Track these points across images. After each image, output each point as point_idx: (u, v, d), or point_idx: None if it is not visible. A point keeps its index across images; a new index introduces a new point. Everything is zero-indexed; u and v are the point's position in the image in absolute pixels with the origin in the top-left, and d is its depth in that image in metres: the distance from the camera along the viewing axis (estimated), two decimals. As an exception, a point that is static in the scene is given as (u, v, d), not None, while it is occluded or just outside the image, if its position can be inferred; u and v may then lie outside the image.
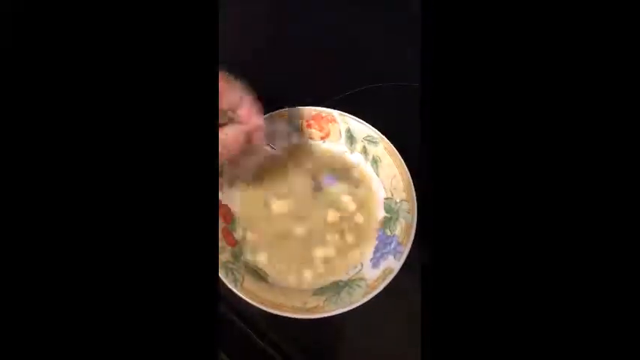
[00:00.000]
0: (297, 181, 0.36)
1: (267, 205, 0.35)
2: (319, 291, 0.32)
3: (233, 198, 0.35)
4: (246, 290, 0.30)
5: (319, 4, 0.50)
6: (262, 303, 0.30)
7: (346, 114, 0.37)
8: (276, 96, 0.35)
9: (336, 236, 0.34)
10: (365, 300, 0.30)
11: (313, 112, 0.37)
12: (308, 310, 0.30)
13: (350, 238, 0.34)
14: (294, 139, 0.38)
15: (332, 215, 0.34)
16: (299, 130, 0.38)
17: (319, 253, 0.34)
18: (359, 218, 0.35)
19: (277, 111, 0.37)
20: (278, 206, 0.35)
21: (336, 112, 0.37)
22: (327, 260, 0.33)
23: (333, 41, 0.47)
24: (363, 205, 0.36)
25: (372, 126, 0.36)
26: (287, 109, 0.37)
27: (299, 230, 0.34)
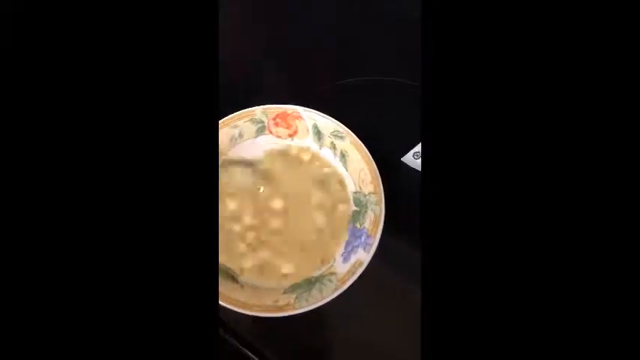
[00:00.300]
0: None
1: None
2: (290, 289, 0.32)
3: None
4: (219, 292, 0.30)
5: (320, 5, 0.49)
6: (232, 304, 0.30)
7: (311, 110, 0.37)
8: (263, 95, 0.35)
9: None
10: (335, 295, 0.30)
11: (279, 110, 0.37)
12: (279, 309, 0.30)
13: (323, 232, 0.34)
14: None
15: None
16: (266, 129, 0.37)
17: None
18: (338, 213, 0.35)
19: (246, 110, 0.37)
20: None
21: (300, 109, 0.37)
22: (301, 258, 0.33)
23: (332, 41, 0.47)
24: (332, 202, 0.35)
25: (339, 120, 0.36)
26: (255, 108, 0.37)
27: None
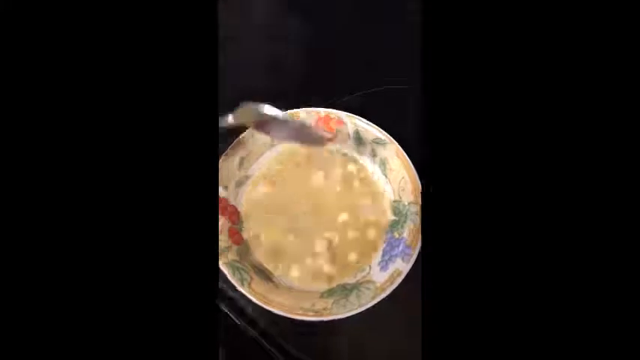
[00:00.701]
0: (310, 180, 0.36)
1: (272, 202, 0.35)
2: (327, 293, 0.32)
3: (240, 198, 0.35)
4: (254, 291, 0.30)
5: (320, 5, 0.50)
6: (270, 304, 0.30)
7: (354, 116, 0.37)
8: (280, 96, 0.35)
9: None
10: (374, 302, 0.30)
11: (322, 114, 0.37)
12: (317, 312, 0.30)
13: (358, 239, 0.34)
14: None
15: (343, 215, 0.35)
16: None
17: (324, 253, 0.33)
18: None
19: (292, 111, 0.37)
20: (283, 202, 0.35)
21: (343, 114, 0.37)
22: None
23: (333, 41, 0.47)
24: (370, 210, 0.35)
25: (380, 128, 0.36)
26: (300, 110, 0.37)
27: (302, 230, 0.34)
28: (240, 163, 0.36)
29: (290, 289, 0.32)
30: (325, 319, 0.29)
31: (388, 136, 0.36)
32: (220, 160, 0.35)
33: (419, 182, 0.34)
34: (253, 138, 0.36)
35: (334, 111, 0.37)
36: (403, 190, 0.35)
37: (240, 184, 0.35)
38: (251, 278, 0.31)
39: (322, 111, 0.37)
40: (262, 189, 0.36)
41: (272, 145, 0.37)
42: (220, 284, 0.31)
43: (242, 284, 0.30)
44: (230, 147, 0.35)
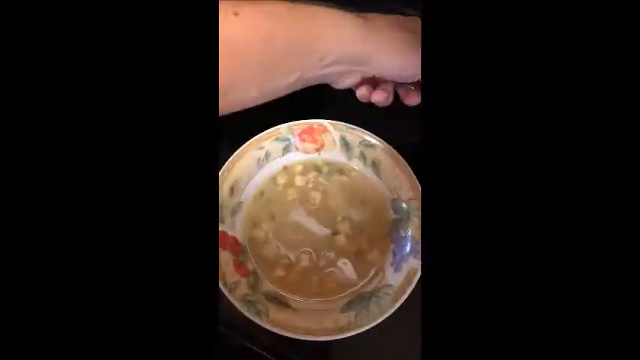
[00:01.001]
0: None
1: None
2: (347, 307, 0.31)
3: (237, 226, 0.34)
4: (273, 321, 0.29)
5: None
6: (292, 331, 0.29)
7: (338, 122, 0.36)
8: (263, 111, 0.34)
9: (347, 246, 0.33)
10: (396, 307, 0.29)
11: (304, 126, 0.36)
12: (341, 329, 0.29)
13: (363, 244, 0.34)
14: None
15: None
16: (292, 146, 0.37)
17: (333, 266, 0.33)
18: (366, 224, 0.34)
19: (271, 129, 0.36)
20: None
21: (326, 122, 0.36)
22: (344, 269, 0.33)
23: None
24: (370, 212, 0.35)
25: (368, 130, 0.36)
26: (280, 126, 0.36)
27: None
28: (231, 191, 0.34)
29: (310, 311, 0.31)
30: (351, 334, 0.29)
31: (375, 136, 0.35)
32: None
33: (415, 179, 0.34)
34: (238, 163, 0.35)
35: (317, 121, 0.36)
36: (400, 187, 0.34)
37: (234, 212, 0.34)
38: (267, 309, 0.30)
39: (304, 123, 0.36)
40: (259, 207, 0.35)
41: (261, 166, 0.36)
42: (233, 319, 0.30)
43: (260, 318, 0.29)
44: (219, 177, 0.34)
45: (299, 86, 0.33)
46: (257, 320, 0.29)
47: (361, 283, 0.32)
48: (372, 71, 0.34)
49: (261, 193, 0.35)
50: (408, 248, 0.32)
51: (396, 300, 0.30)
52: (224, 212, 0.33)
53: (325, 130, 0.36)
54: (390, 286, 0.31)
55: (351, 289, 0.32)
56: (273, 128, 0.36)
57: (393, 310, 0.29)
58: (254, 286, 0.31)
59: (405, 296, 0.30)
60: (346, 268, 0.33)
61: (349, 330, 0.29)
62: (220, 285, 0.29)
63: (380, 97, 0.35)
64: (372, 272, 0.33)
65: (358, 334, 0.29)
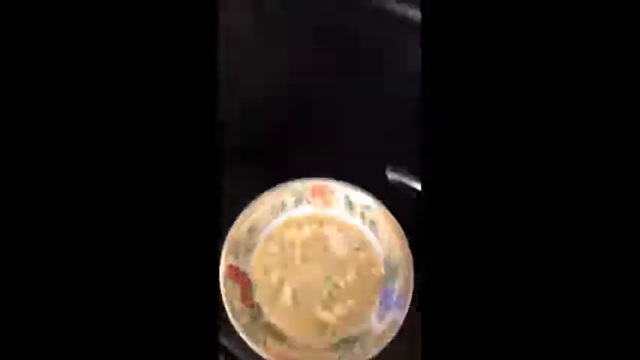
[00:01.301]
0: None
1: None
2: (333, 347, 0.35)
3: (250, 264, 0.39)
4: (270, 350, 0.33)
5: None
6: (285, 361, 0.33)
7: (344, 183, 0.42)
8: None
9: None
10: (377, 352, 0.34)
11: (316, 184, 0.42)
12: (327, 367, 0.33)
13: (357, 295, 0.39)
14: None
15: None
16: (304, 200, 0.43)
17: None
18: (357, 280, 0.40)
19: (284, 184, 0.42)
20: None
21: (334, 183, 0.42)
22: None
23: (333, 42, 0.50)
24: (364, 266, 0.40)
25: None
26: (292, 182, 0.42)
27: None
28: (249, 232, 0.40)
29: (303, 346, 0.35)
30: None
31: (376, 200, 0.41)
32: (231, 232, 0.39)
33: (405, 238, 0.39)
34: (259, 207, 0.41)
35: (326, 180, 0.42)
36: (393, 246, 0.40)
37: (248, 250, 0.40)
38: (265, 338, 0.35)
39: (316, 181, 0.42)
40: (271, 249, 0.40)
41: (277, 215, 0.42)
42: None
43: (257, 346, 0.34)
44: (239, 217, 0.40)
45: None
46: (254, 347, 0.34)
47: (350, 333, 0.37)
48: None
49: (272, 239, 0.41)
50: (392, 301, 0.37)
51: (377, 346, 0.34)
52: (239, 249, 0.39)
53: (333, 189, 0.43)
54: (373, 333, 0.36)
55: (339, 334, 0.37)
56: (288, 182, 0.42)
57: (372, 355, 0.34)
58: (255, 317, 0.36)
59: (386, 343, 0.34)
60: (337, 312, 0.38)
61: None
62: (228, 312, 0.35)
63: None
64: (359, 319, 0.37)
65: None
